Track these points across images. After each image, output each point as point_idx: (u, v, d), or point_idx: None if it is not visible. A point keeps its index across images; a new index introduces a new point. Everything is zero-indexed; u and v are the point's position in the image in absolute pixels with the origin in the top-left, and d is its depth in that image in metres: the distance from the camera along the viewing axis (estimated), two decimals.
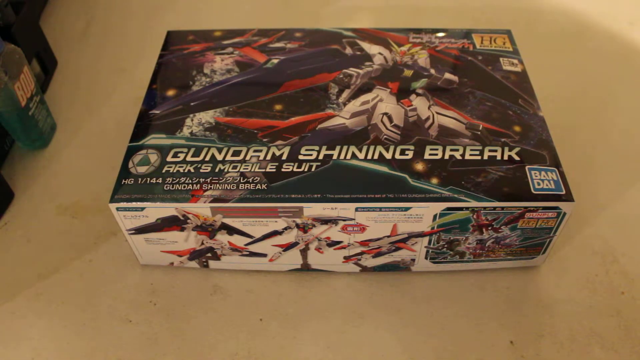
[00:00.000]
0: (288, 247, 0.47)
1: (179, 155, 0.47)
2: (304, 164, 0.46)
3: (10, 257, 0.52)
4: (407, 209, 0.43)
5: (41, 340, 0.46)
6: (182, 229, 0.46)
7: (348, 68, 0.54)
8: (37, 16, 0.69)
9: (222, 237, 0.47)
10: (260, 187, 0.44)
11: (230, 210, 0.44)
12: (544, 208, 0.43)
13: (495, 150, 0.47)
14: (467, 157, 0.46)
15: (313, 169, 0.45)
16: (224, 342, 0.46)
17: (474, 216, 0.44)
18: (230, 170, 0.46)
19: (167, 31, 0.60)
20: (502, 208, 0.43)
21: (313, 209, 0.44)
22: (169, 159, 0.47)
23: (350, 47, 0.57)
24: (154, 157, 0.47)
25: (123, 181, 0.45)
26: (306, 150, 0.47)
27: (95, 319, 0.48)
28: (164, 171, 0.46)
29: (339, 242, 0.47)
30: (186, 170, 0.46)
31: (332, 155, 0.46)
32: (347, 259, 0.49)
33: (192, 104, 0.51)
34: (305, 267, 0.50)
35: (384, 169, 0.45)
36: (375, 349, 0.46)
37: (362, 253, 0.48)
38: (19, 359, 0.45)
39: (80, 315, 0.48)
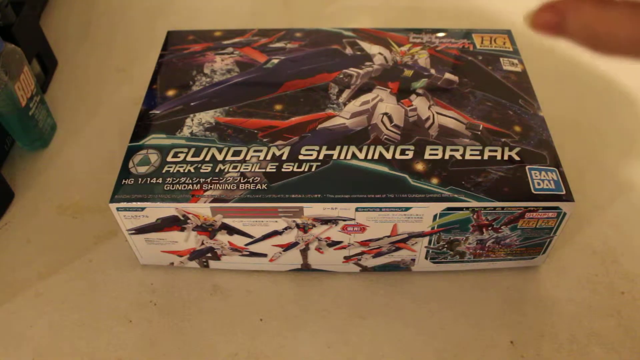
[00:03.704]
0: (288, 247, 0.47)
1: (179, 155, 0.47)
2: (304, 164, 0.46)
3: (10, 257, 0.52)
4: (407, 209, 0.43)
5: (41, 340, 0.46)
6: (182, 229, 0.46)
7: (348, 68, 0.54)
8: (37, 16, 0.69)
9: (222, 237, 0.47)
10: (260, 187, 0.44)
11: (231, 210, 0.44)
12: (544, 208, 0.43)
13: (496, 150, 0.47)
14: (467, 157, 0.46)
15: (313, 169, 0.45)
16: (224, 342, 0.46)
17: (474, 216, 0.44)
18: (230, 170, 0.46)
19: (167, 31, 0.60)
20: (502, 208, 0.43)
21: (313, 209, 0.44)
22: (169, 159, 0.47)
23: (350, 47, 0.57)
24: (154, 157, 0.47)
25: (123, 181, 0.45)
26: (306, 150, 0.47)
27: (95, 319, 0.48)
28: (164, 171, 0.46)
29: (339, 242, 0.47)
30: (186, 170, 0.46)
31: (332, 155, 0.46)
32: (347, 259, 0.49)
33: (192, 104, 0.51)
34: (306, 267, 0.50)
35: (384, 169, 0.45)
36: (375, 349, 0.46)
37: (362, 253, 0.48)
38: (19, 359, 0.45)
39: (80, 315, 0.48)
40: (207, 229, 0.46)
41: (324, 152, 0.47)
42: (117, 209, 0.45)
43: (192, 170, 0.46)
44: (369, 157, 0.46)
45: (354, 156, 0.46)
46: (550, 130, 0.48)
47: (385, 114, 0.50)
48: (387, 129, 0.48)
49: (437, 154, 0.46)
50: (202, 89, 0.53)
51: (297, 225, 0.45)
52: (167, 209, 0.44)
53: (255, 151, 0.47)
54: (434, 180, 0.44)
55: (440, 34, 0.59)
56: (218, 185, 0.45)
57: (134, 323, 0.47)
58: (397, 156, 0.46)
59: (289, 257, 0.48)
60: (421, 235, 0.46)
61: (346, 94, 0.52)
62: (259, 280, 0.50)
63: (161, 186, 0.45)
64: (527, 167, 0.45)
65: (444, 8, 0.79)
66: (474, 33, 0.59)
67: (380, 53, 0.56)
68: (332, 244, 0.47)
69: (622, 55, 0.23)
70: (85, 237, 0.53)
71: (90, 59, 0.72)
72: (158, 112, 0.51)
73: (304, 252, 0.48)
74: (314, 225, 0.45)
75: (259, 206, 0.44)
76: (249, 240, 0.47)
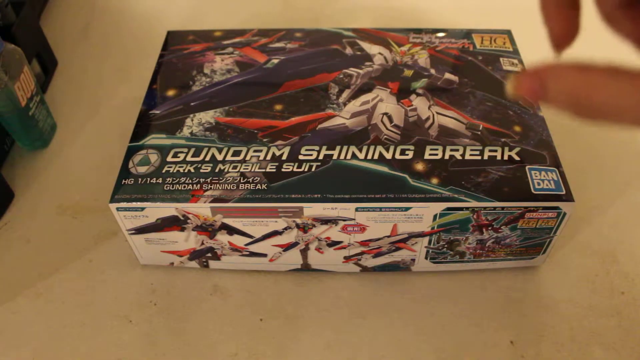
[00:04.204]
0: (288, 247, 0.47)
1: (179, 155, 0.47)
2: (304, 164, 0.46)
3: (10, 257, 0.52)
4: (407, 209, 0.43)
5: (41, 340, 0.46)
6: (182, 229, 0.46)
7: (348, 68, 0.54)
8: (37, 16, 0.69)
9: (222, 237, 0.47)
10: (260, 187, 0.44)
11: (230, 210, 0.44)
12: (544, 208, 0.43)
13: (496, 151, 0.47)
14: (467, 157, 0.46)
15: (313, 169, 0.45)
16: (224, 342, 0.46)
17: (474, 216, 0.44)
18: (230, 170, 0.46)
19: (167, 31, 0.60)
20: (502, 208, 0.43)
21: (313, 209, 0.44)
22: (169, 159, 0.47)
23: (350, 47, 0.57)
24: (154, 157, 0.47)
25: (123, 181, 0.45)
26: (306, 150, 0.47)
27: (95, 319, 0.48)
28: (164, 171, 0.46)
29: (339, 242, 0.47)
30: (186, 170, 0.46)
31: (332, 155, 0.46)
32: (347, 259, 0.49)
33: (192, 104, 0.51)
34: (306, 267, 0.50)
35: (384, 169, 0.45)
36: (375, 349, 0.46)
37: (362, 253, 0.48)
38: (19, 359, 0.45)
39: (80, 315, 0.48)
40: (207, 229, 0.46)
41: (324, 152, 0.47)
42: (117, 209, 0.45)
43: (192, 170, 0.46)
44: (369, 157, 0.46)
45: (354, 156, 0.46)
46: (550, 130, 0.48)
47: (385, 114, 0.50)
48: (387, 129, 0.48)
49: (437, 154, 0.46)
50: (202, 89, 0.53)
51: (297, 225, 0.45)
52: (167, 209, 0.44)
53: (255, 151, 0.47)
54: (434, 180, 0.44)
55: (440, 34, 0.59)
56: (218, 185, 0.45)
57: (134, 323, 0.47)
58: (397, 156, 0.46)
59: (289, 257, 0.48)
60: (421, 235, 0.46)
61: (346, 94, 0.52)
62: (259, 280, 0.50)
63: (161, 186, 0.45)
64: (527, 167, 0.45)
65: (444, 8, 0.79)
66: (474, 33, 0.59)
67: (380, 53, 0.56)
68: (332, 244, 0.47)
69: (604, 121, 0.23)
70: (85, 237, 0.53)
71: (90, 59, 0.72)
72: (158, 112, 0.51)
73: (304, 252, 0.48)
74: (314, 225, 0.45)
75: (259, 206, 0.44)
76: (249, 240, 0.47)
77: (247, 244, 0.47)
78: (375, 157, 0.46)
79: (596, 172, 0.58)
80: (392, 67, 0.55)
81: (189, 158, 0.47)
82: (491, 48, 0.57)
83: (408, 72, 0.54)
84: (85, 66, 0.71)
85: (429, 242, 0.47)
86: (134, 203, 0.44)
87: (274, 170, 0.45)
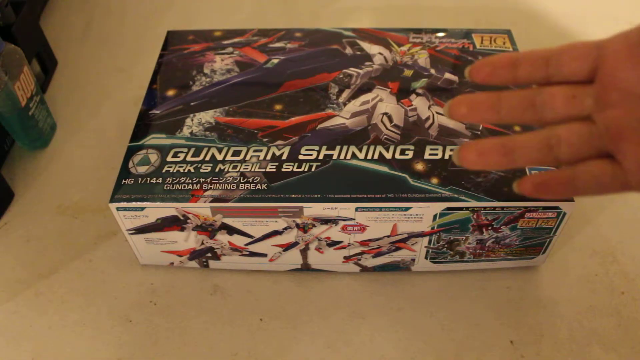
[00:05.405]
0: (288, 247, 0.47)
1: (179, 155, 0.47)
2: (304, 164, 0.46)
3: (10, 257, 0.52)
4: (407, 209, 0.43)
5: (41, 340, 0.46)
6: (182, 229, 0.46)
7: (348, 68, 0.54)
8: (37, 16, 0.69)
9: (222, 237, 0.47)
10: (260, 187, 0.44)
11: (230, 210, 0.44)
12: (544, 208, 0.43)
13: None
14: None
15: (313, 169, 0.45)
16: (224, 342, 0.46)
17: (474, 216, 0.44)
18: (230, 170, 0.46)
19: (167, 31, 0.60)
20: (502, 208, 0.43)
21: (313, 209, 0.44)
22: (169, 159, 0.47)
23: (350, 47, 0.57)
24: (154, 157, 0.47)
25: (123, 181, 0.45)
26: (306, 150, 0.47)
27: (95, 319, 0.48)
28: (164, 171, 0.46)
29: (339, 242, 0.47)
30: (186, 170, 0.46)
31: (332, 155, 0.46)
32: (347, 259, 0.49)
33: (192, 103, 0.51)
34: (305, 267, 0.50)
35: (384, 169, 0.45)
36: (375, 348, 0.46)
37: (362, 253, 0.48)
38: (19, 359, 0.45)
39: (80, 315, 0.48)
40: (207, 228, 0.46)
41: (323, 152, 0.47)
42: (117, 209, 0.45)
43: (192, 170, 0.46)
44: (369, 157, 0.46)
45: (354, 156, 0.46)
46: None
47: (385, 113, 0.50)
48: (387, 128, 0.48)
49: (437, 154, 0.46)
50: (202, 89, 0.53)
51: (297, 225, 0.45)
52: (167, 209, 0.44)
53: (255, 151, 0.47)
54: (434, 180, 0.44)
55: (440, 34, 0.59)
56: (218, 185, 0.45)
57: (134, 323, 0.47)
58: (397, 156, 0.46)
59: (289, 257, 0.48)
60: (421, 235, 0.46)
61: (346, 93, 0.52)
62: (259, 280, 0.50)
63: (161, 186, 0.45)
64: (527, 167, 0.45)
65: (444, 8, 0.79)
66: (473, 33, 0.59)
67: (380, 53, 0.56)
68: (332, 243, 0.47)
69: None
70: (85, 237, 0.53)
71: (90, 59, 0.72)
72: (158, 112, 0.51)
73: (304, 252, 0.48)
74: (313, 225, 0.45)
75: (259, 206, 0.44)
76: (249, 240, 0.47)
77: (247, 244, 0.47)
78: (375, 157, 0.46)
79: None
80: (392, 67, 0.55)
81: (189, 158, 0.47)
82: (491, 48, 0.57)
83: (408, 72, 0.54)
84: (85, 66, 0.71)
85: (429, 242, 0.47)
86: (134, 203, 0.44)
87: (274, 170, 0.45)
